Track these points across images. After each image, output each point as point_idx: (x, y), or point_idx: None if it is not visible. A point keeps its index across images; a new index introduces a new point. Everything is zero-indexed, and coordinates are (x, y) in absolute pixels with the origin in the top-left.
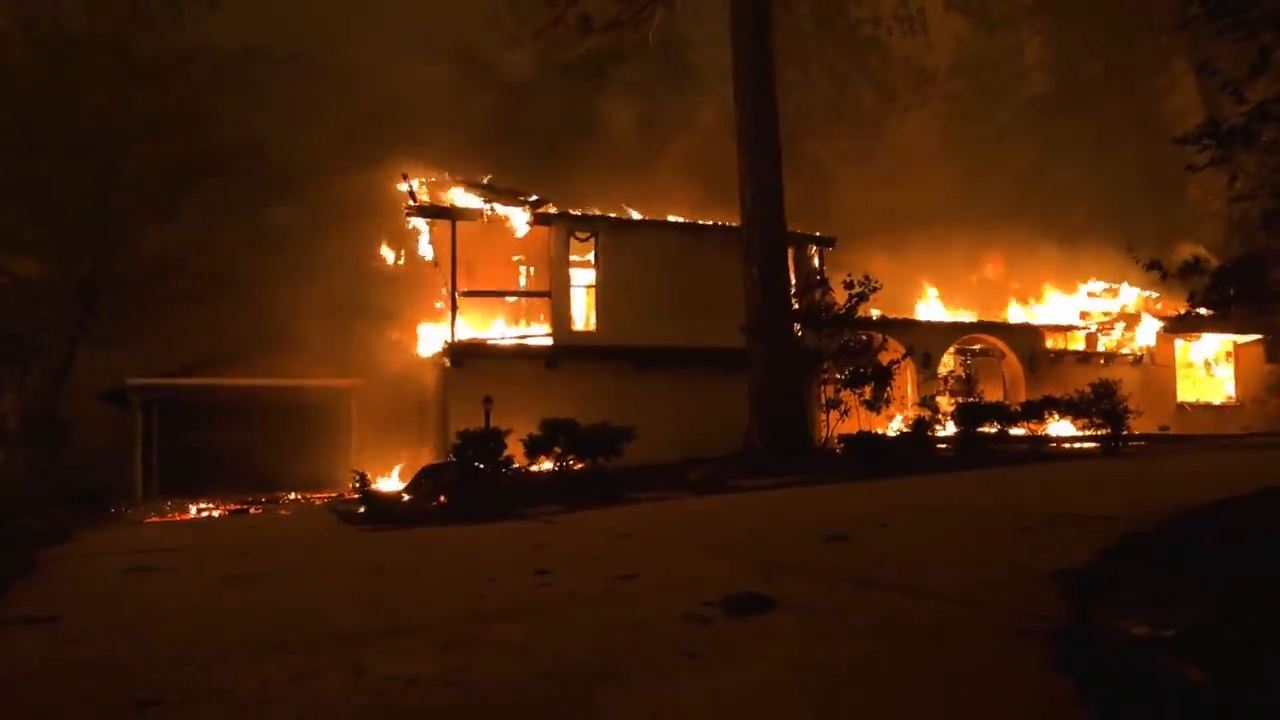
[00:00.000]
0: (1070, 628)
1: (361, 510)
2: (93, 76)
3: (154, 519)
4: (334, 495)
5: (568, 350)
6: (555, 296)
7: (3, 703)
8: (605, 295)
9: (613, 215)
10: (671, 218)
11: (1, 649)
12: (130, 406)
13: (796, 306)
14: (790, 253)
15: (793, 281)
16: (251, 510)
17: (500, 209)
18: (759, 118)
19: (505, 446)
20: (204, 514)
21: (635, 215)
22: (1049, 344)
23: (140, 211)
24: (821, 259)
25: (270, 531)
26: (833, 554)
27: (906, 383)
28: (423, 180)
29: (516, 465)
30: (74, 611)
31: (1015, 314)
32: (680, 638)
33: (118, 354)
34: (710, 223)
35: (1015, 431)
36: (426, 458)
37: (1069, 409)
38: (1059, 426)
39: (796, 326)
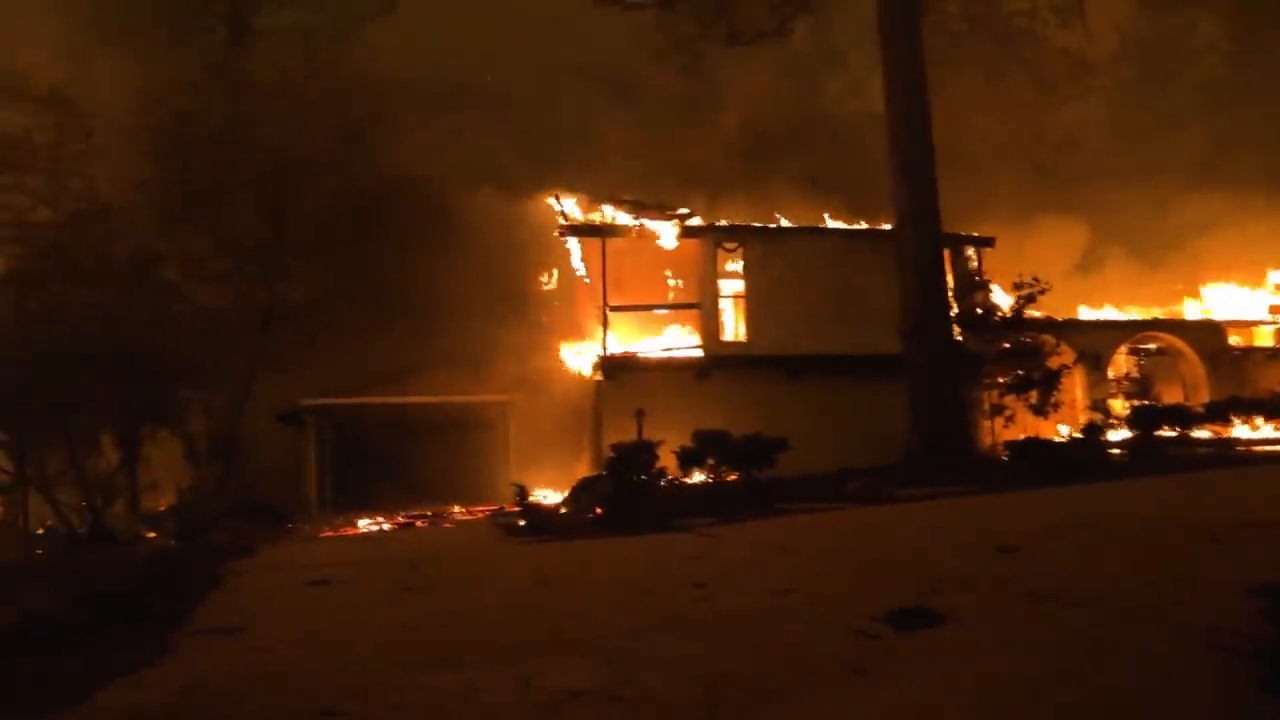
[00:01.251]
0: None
1: (522, 523)
2: (269, 115)
3: (327, 533)
4: (495, 508)
5: (718, 361)
6: (704, 308)
7: (199, 710)
8: (755, 305)
9: (760, 224)
10: (829, 221)
11: (197, 658)
12: (304, 426)
13: (955, 310)
14: (947, 254)
15: (950, 284)
16: (418, 523)
17: (648, 224)
18: (910, 116)
19: (658, 458)
20: (373, 527)
21: (784, 223)
22: (1232, 340)
23: (312, 242)
24: (980, 260)
25: (437, 544)
26: (1003, 566)
27: (1075, 386)
28: (571, 196)
29: (669, 477)
30: (259, 623)
31: (1192, 310)
32: (846, 654)
33: (293, 376)
34: (861, 227)
35: (1198, 434)
36: (582, 470)
37: (1260, 409)
38: (1247, 429)
39: (956, 330)
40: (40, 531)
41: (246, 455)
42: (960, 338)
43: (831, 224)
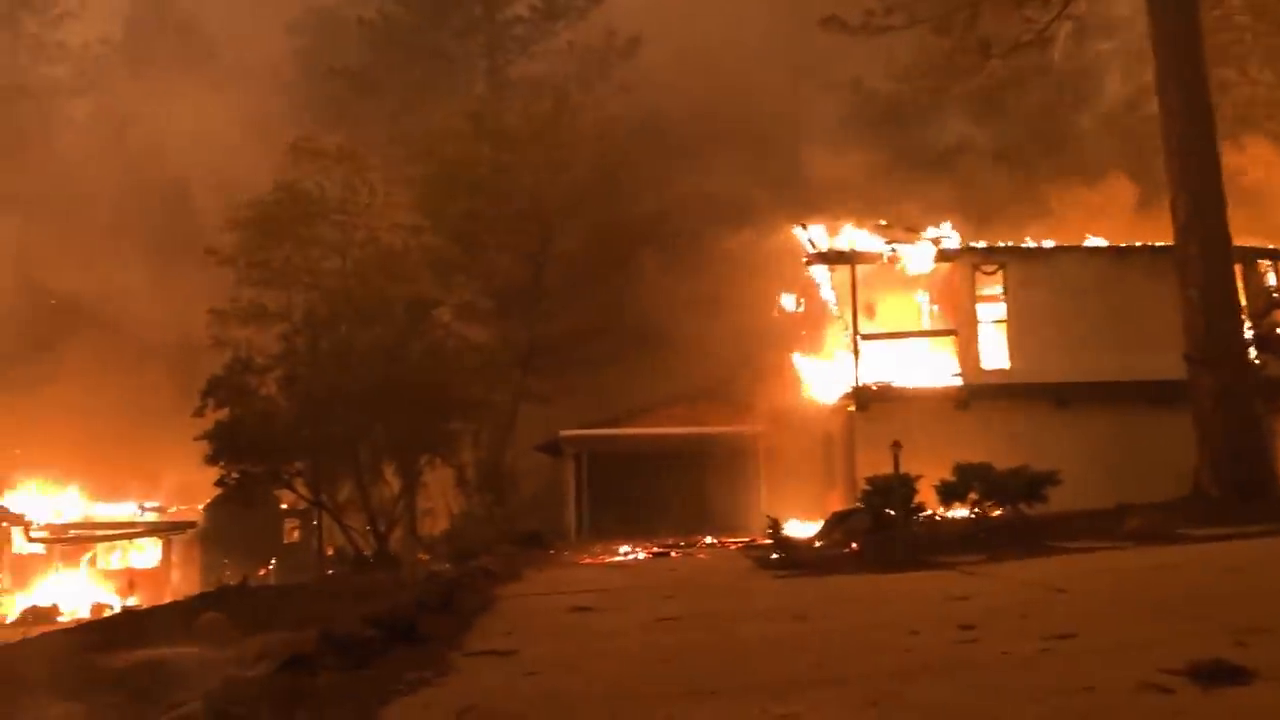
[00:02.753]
0: None
1: (775, 556)
2: (526, 162)
3: (587, 560)
4: (747, 540)
5: (978, 390)
6: (962, 334)
7: None
8: (1018, 330)
9: (1022, 244)
10: (1094, 240)
11: (472, 679)
12: (563, 456)
13: (1250, 330)
14: (1238, 269)
15: (1243, 302)
16: (672, 554)
17: (900, 248)
18: (1190, 118)
19: (916, 492)
20: (629, 556)
21: (1048, 243)
22: None
23: (568, 280)
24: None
25: (692, 575)
26: None
27: None
28: (818, 223)
29: (928, 511)
30: (528, 646)
31: None
32: (1136, 710)
33: (551, 408)
34: (1136, 244)
35: None
36: (834, 503)
37: None
38: None
39: (1253, 353)
40: (330, 553)
41: (511, 484)
42: (1258, 361)
43: (1097, 243)
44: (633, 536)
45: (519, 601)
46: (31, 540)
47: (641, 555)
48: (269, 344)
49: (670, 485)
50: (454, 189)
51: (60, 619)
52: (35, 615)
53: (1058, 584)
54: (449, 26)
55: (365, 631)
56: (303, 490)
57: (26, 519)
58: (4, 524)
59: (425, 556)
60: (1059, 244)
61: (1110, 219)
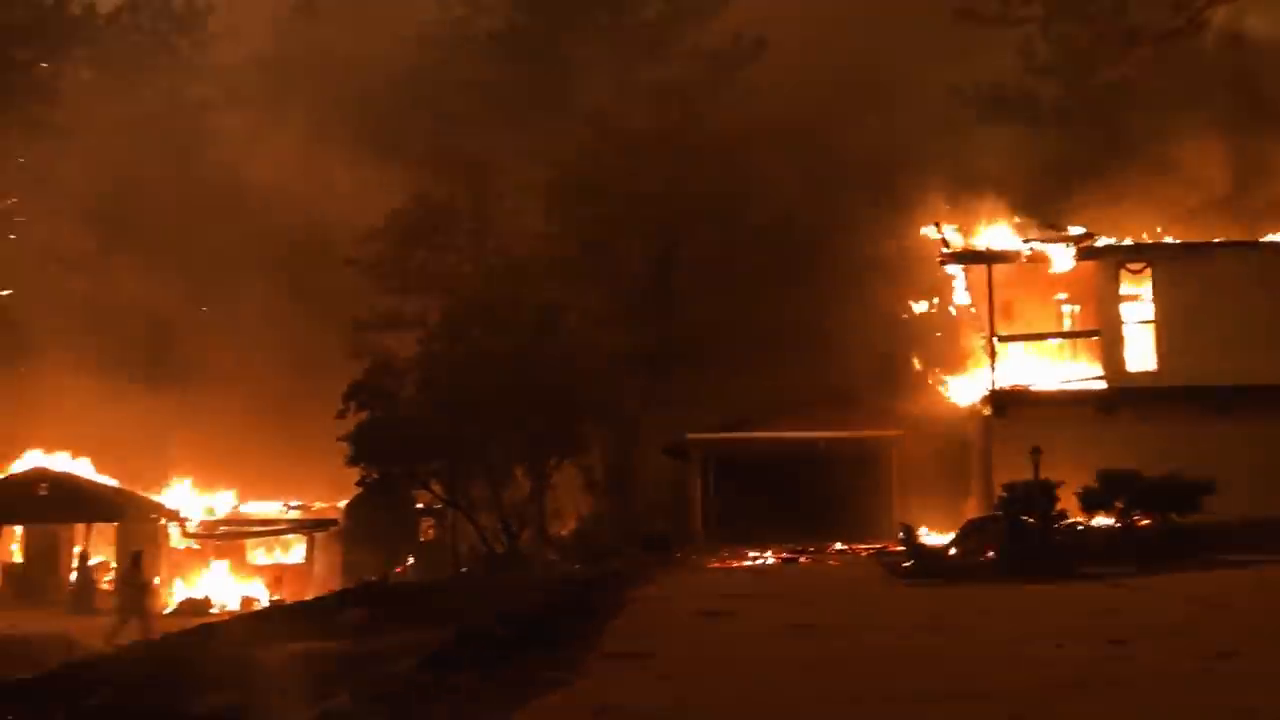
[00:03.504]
0: None
1: (908, 564)
2: (652, 166)
3: (714, 564)
4: (878, 546)
5: (1124, 394)
6: (1106, 336)
7: None
8: (1167, 330)
9: (1170, 241)
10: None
11: (606, 682)
12: (689, 460)
13: None
14: None
15: None
16: (801, 559)
17: (1039, 247)
18: None
19: (1057, 500)
20: (758, 560)
21: (1197, 240)
22: None
23: (694, 283)
24: None
25: (822, 581)
26: None
27: None
28: (953, 223)
29: (1070, 520)
30: (661, 650)
31: None
32: None
33: (678, 411)
34: None
35: None
36: (969, 510)
37: None
38: None
39: None
40: (463, 551)
41: (637, 486)
42: None
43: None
44: (760, 541)
45: (650, 604)
46: (186, 536)
47: (770, 560)
48: (406, 350)
49: (799, 490)
50: (581, 195)
51: (212, 611)
52: (192, 607)
53: (1216, 599)
54: (576, 34)
55: (502, 630)
56: (438, 490)
57: (182, 515)
58: (162, 520)
59: (554, 557)
60: (1210, 240)
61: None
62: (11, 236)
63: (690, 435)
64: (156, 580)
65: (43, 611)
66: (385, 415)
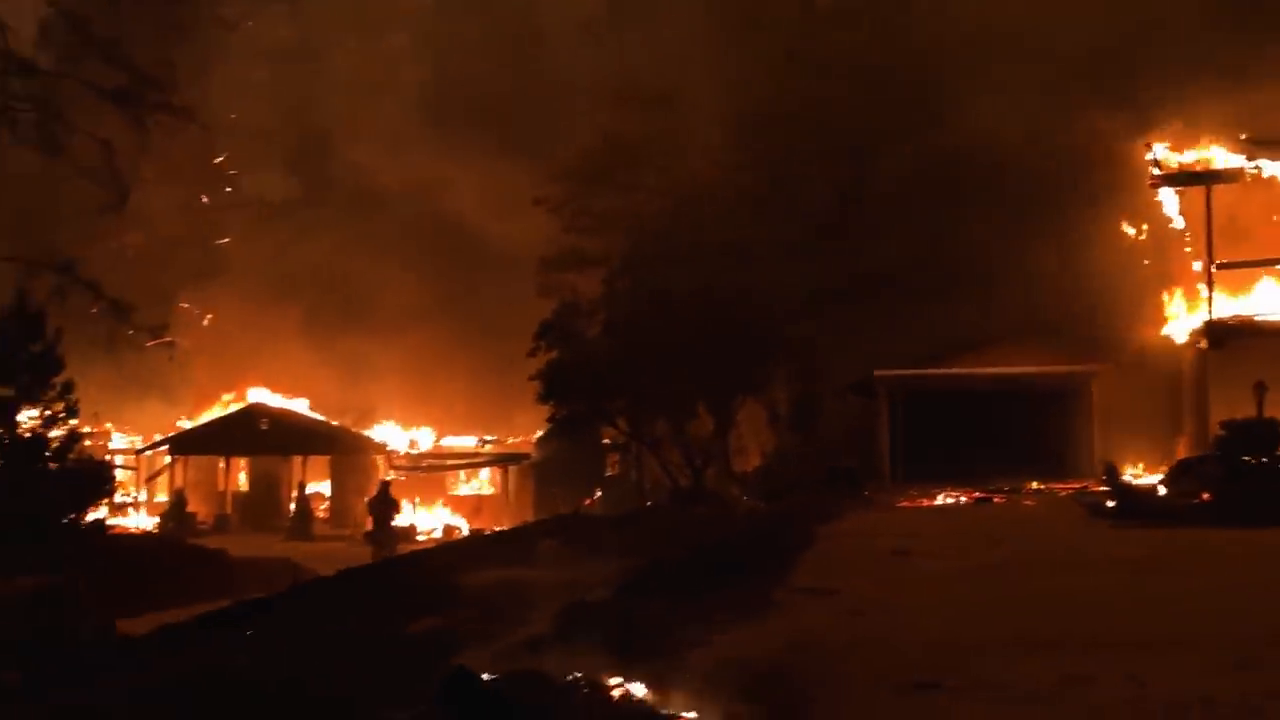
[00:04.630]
0: None
1: (1111, 504)
2: (840, 93)
3: (903, 503)
4: (1078, 486)
5: None
6: None
7: (804, 664)
8: None
9: None
10: None
11: (797, 615)
12: (876, 397)
13: None
14: None
15: None
16: (995, 499)
17: (1265, 164)
18: None
19: None
20: (949, 500)
21: None
22: None
23: (884, 213)
24: None
25: (1018, 522)
26: None
27: None
28: (1164, 140)
29: None
30: (848, 586)
31: None
32: None
33: (864, 347)
34: None
35: None
36: (1180, 450)
37: None
38: None
39: None
40: (648, 486)
41: (823, 424)
42: None
43: None
44: (951, 480)
45: (838, 541)
46: (394, 468)
47: (962, 500)
48: (593, 289)
49: (993, 427)
50: (768, 124)
51: (418, 538)
52: (400, 534)
53: None
54: None
55: (693, 562)
56: (623, 426)
57: (389, 449)
58: (373, 454)
59: (739, 492)
60: None
61: None
62: (228, 189)
63: (878, 372)
64: (405, 504)
65: (266, 536)
66: (572, 354)
